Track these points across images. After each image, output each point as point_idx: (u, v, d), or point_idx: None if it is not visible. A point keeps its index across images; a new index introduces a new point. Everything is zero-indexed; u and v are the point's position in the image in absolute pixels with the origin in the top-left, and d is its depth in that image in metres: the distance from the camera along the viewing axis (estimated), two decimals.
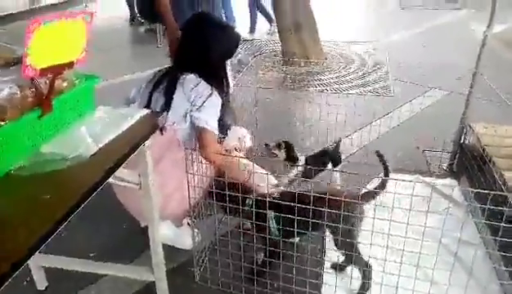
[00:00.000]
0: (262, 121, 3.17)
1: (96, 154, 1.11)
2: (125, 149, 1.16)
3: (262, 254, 1.80)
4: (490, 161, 1.97)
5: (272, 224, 1.68)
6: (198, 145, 1.77)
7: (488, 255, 1.90)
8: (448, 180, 2.44)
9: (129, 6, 7.35)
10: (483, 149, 2.07)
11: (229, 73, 2.83)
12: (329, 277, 1.80)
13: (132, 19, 7.39)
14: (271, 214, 1.67)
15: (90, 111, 1.29)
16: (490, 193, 1.34)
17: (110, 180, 1.23)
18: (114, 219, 2.13)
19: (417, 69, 4.66)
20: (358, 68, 4.80)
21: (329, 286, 1.75)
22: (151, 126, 1.32)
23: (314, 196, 1.44)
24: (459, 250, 1.81)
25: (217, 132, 1.80)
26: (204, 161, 1.71)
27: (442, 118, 3.04)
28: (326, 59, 5.07)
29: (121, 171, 1.31)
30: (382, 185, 1.61)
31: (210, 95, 1.79)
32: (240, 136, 2.20)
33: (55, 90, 1.14)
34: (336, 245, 1.64)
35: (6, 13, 7.78)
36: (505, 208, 1.34)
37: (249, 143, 2.27)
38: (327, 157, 2.33)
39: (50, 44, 1.00)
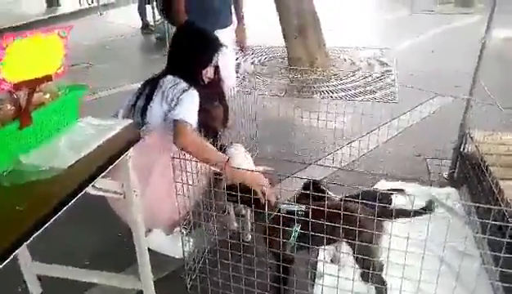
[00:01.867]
0: (265, 128, 3.18)
1: (74, 165, 1.14)
2: (103, 160, 1.18)
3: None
4: (487, 170, 1.93)
5: (294, 239, 1.64)
6: (173, 138, 1.74)
7: (485, 268, 1.86)
8: (448, 189, 2.39)
9: (141, 15, 7.48)
10: (481, 158, 2.02)
11: (231, 78, 2.87)
12: (318, 289, 1.78)
13: (145, 27, 7.52)
14: (297, 228, 1.62)
15: (73, 122, 1.32)
16: (478, 205, 1.31)
17: (92, 191, 1.26)
18: (109, 227, 2.15)
19: (424, 76, 4.60)
20: (365, 74, 4.76)
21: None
22: (133, 137, 1.34)
23: (334, 212, 1.43)
24: (455, 261, 1.78)
25: (194, 124, 1.77)
26: (180, 151, 1.68)
27: (448, 124, 2.98)
28: (333, 65, 5.04)
29: (104, 182, 1.33)
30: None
31: (186, 90, 1.81)
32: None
33: (35, 102, 1.17)
34: (356, 261, 1.62)
35: (19, 23, 7.98)
36: (489, 221, 1.30)
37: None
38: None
39: (24, 59, 1.03)
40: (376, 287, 1.63)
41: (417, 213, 1.51)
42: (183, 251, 1.83)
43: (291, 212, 1.61)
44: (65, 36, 1.12)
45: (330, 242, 1.55)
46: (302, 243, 1.59)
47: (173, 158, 1.60)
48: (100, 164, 1.16)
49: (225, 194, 1.72)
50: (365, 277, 1.62)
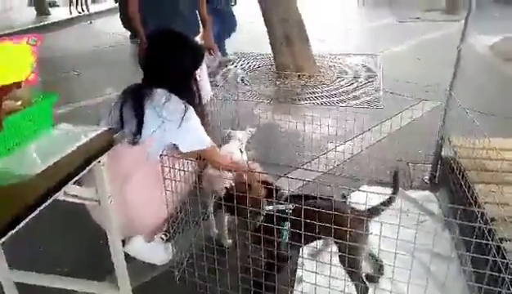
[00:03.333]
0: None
1: (44, 172, 1.14)
2: (73, 166, 1.19)
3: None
4: (463, 173, 1.96)
5: (285, 236, 1.67)
6: (208, 162, 1.88)
7: (463, 270, 1.88)
8: (427, 193, 2.42)
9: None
10: (458, 162, 2.06)
11: (206, 83, 2.87)
12: (299, 286, 1.82)
13: (133, 36, 7.54)
14: (287, 226, 1.66)
15: (46, 129, 1.33)
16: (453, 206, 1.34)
17: (64, 197, 1.26)
18: (91, 234, 2.14)
19: (409, 82, 4.66)
20: (351, 81, 4.81)
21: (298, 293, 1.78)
22: (106, 143, 1.34)
23: (322, 212, 1.46)
24: (433, 264, 1.80)
25: (214, 144, 1.89)
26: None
27: (431, 129, 3.02)
28: (320, 72, 5.09)
29: (78, 188, 1.34)
30: (389, 202, 1.65)
31: (185, 110, 1.79)
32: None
33: (7, 109, 1.18)
34: (341, 261, 1.65)
35: (8, 32, 7.96)
36: (459, 221, 1.33)
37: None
38: None
39: None
40: (357, 286, 1.66)
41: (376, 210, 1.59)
42: (168, 256, 1.85)
43: (280, 211, 1.65)
44: (34, 44, 1.13)
45: (314, 239, 1.61)
46: (292, 242, 1.62)
47: (161, 155, 1.62)
48: (70, 171, 1.17)
49: (223, 205, 1.72)
50: (351, 276, 1.65)
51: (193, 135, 1.81)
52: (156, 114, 1.77)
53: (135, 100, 1.80)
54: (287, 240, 1.66)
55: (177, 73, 1.88)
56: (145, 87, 1.85)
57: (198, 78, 2.10)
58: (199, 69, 2.10)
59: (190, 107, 1.83)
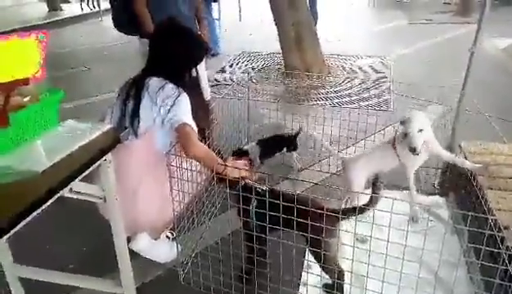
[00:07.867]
0: (258, 133, 3.19)
1: (49, 168, 1.13)
2: (79, 164, 1.18)
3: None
4: (473, 179, 1.92)
5: (252, 214, 1.69)
6: (180, 143, 1.75)
7: (471, 277, 1.85)
8: (435, 198, 2.38)
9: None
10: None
11: (205, 80, 2.85)
12: (303, 289, 1.79)
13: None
14: (253, 203, 1.67)
15: (53, 125, 1.32)
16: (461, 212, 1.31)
17: (70, 194, 1.25)
18: (98, 231, 2.14)
19: (420, 85, 4.60)
20: (360, 82, 4.77)
21: None
22: (112, 141, 1.33)
23: (295, 201, 1.47)
24: (441, 271, 1.77)
25: (195, 127, 1.80)
26: (187, 157, 1.72)
27: (442, 133, 2.98)
28: (329, 73, 5.06)
29: (83, 185, 1.33)
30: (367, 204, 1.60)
31: (179, 95, 1.80)
32: None
33: (14, 105, 1.17)
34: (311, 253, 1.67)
35: (19, 26, 8.01)
36: (468, 228, 1.30)
37: None
38: (283, 142, 2.68)
39: (1, 61, 1.04)
40: (332, 279, 1.68)
41: (361, 210, 1.54)
42: (173, 254, 1.87)
43: (250, 188, 1.67)
44: (43, 40, 1.13)
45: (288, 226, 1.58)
46: (260, 223, 1.62)
47: (167, 153, 1.61)
48: (75, 168, 1.16)
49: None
50: (323, 269, 1.66)
51: (178, 112, 1.77)
52: (152, 103, 1.79)
53: (136, 90, 1.83)
54: (255, 220, 1.67)
55: (180, 64, 1.89)
56: (142, 78, 1.86)
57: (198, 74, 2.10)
58: (199, 66, 2.09)
59: (184, 92, 1.83)
